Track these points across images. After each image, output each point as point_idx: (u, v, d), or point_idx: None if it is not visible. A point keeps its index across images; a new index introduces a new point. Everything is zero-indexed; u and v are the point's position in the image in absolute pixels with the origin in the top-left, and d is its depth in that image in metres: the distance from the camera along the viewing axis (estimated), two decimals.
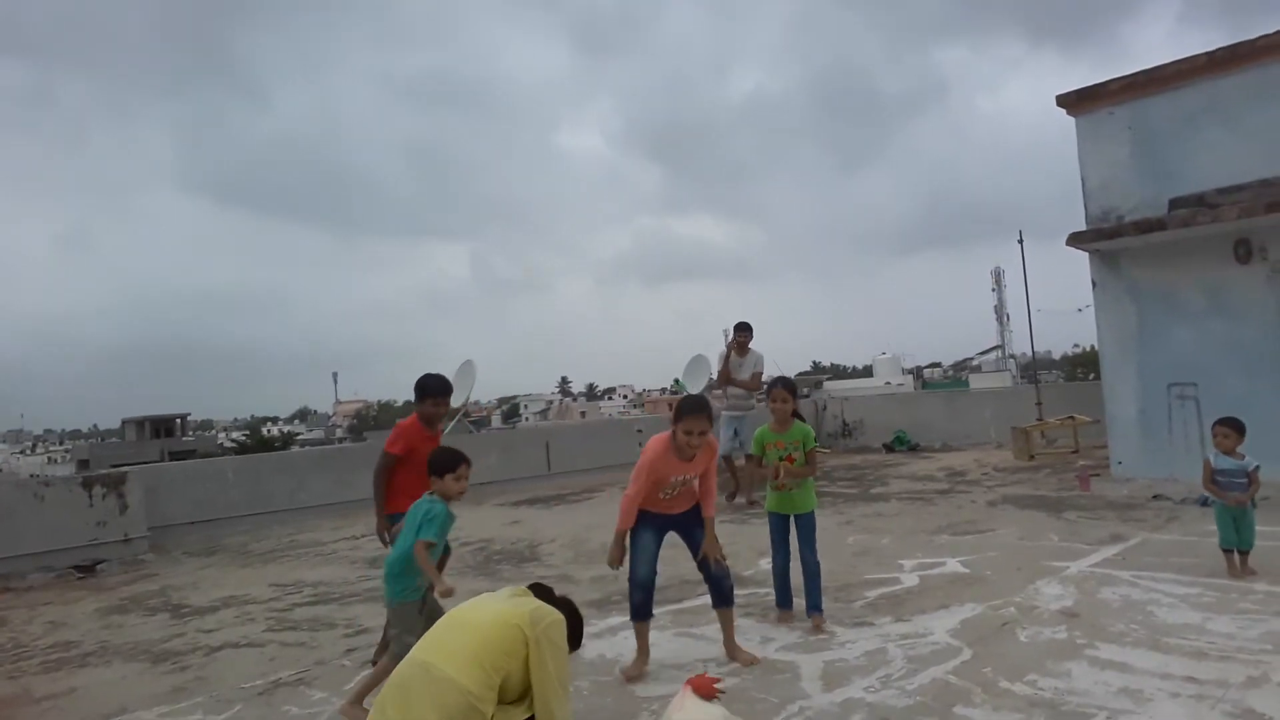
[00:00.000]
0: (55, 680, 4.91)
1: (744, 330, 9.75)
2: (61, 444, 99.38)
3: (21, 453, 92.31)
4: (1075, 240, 9.55)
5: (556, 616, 3.05)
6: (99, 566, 8.39)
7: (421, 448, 4.73)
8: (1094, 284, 9.85)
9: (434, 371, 5.10)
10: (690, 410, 4.28)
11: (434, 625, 3.07)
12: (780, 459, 4.97)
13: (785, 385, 5.12)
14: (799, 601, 5.03)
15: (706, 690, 3.14)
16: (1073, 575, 5.56)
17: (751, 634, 4.79)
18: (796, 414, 5.10)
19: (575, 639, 3.23)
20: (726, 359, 9.80)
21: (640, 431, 14.29)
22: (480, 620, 2.94)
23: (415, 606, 3.92)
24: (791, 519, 5.05)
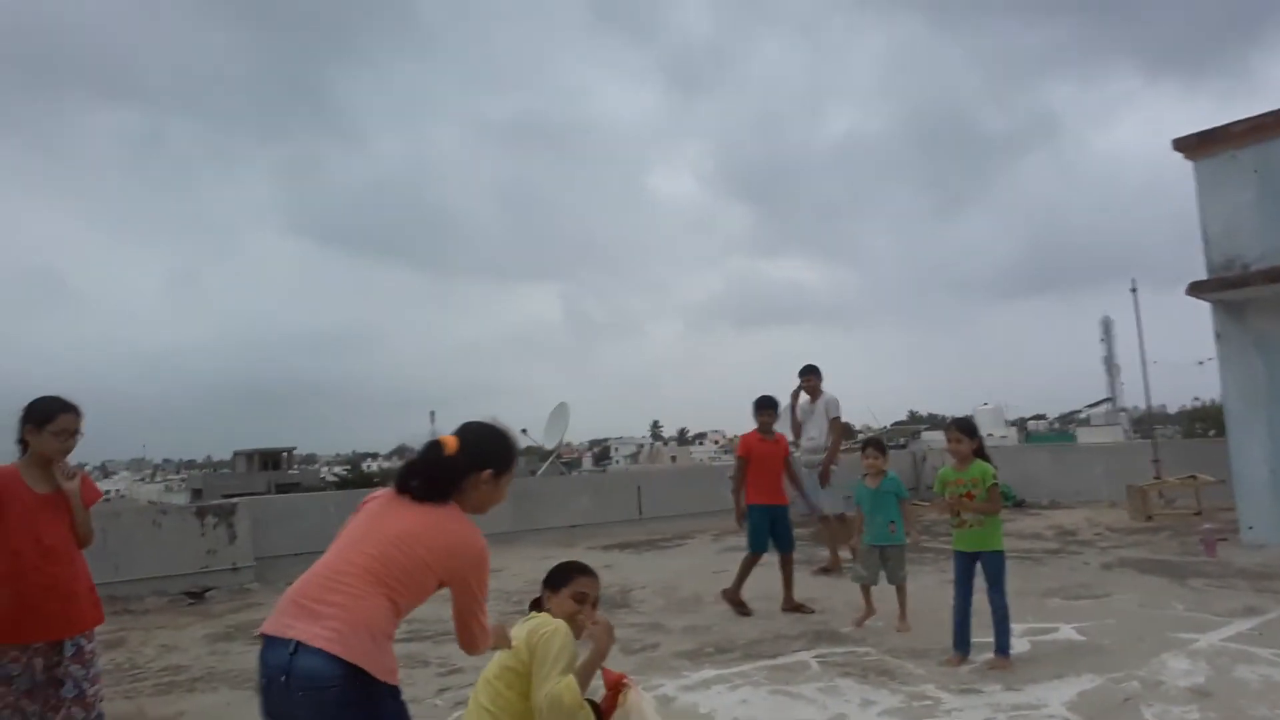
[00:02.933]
0: (166, 703, 5.09)
1: (811, 373, 8.81)
2: (178, 473, 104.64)
3: (142, 480, 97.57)
4: (1196, 290, 9.07)
5: (555, 626, 2.96)
6: (208, 593, 8.73)
7: (758, 449, 7.05)
8: (1217, 335, 9.30)
9: (764, 394, 7.20)
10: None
11: None
12: (960, 495, 5.11)
13: (960, 426, 5.33)
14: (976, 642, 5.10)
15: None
16: (1203, 649, 5.15)
17: (852, 695, 4.59)
18: (980, 452, 5.23)
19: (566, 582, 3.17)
20: (794, 406, 8.85)
21: (733, 478, 14.10)
22: (489, 673, 3.02)
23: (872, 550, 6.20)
24: (978, 561, 5.15)
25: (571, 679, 2.84)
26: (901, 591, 6.09)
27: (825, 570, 8.37)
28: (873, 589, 6.20)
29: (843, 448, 9.37)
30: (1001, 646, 5.03)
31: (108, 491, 72.76)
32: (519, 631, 3.04)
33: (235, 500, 10.13)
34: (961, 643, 5.15)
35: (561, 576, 3.21)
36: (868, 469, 6.28)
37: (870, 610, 6.14)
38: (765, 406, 7.16)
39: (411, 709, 4.75)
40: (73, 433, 3.64)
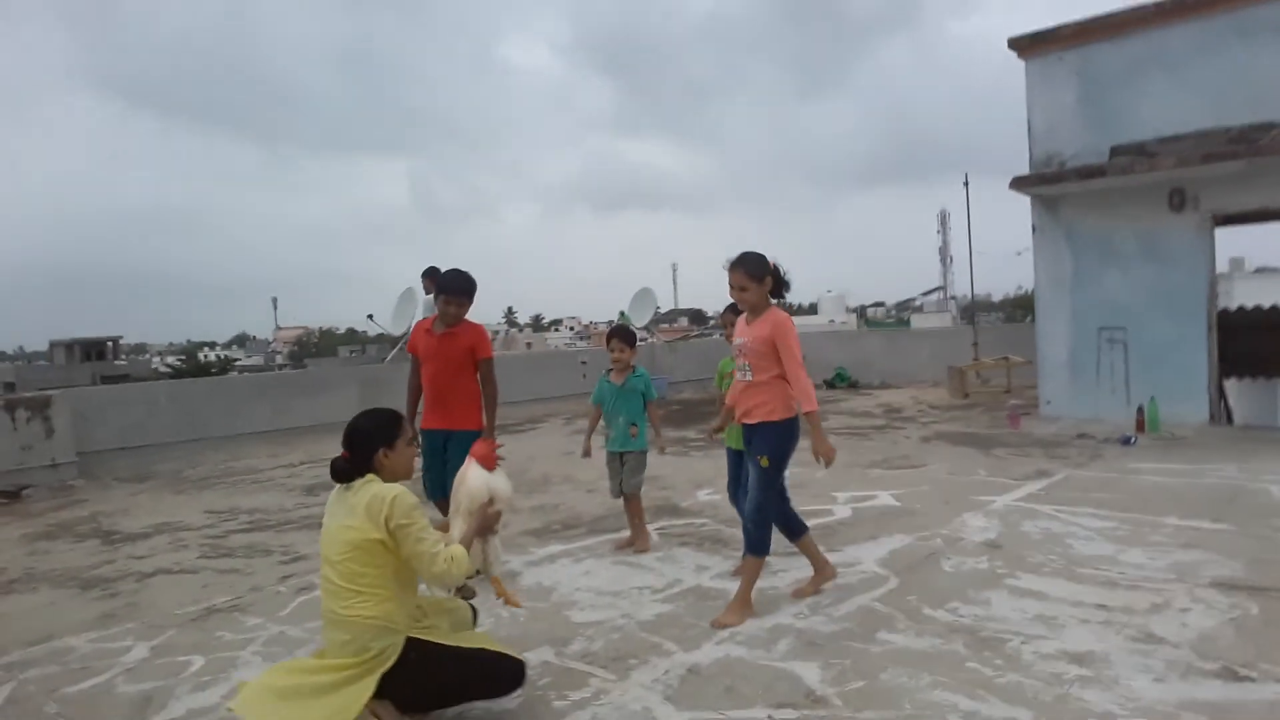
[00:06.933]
0: None
1: (425, 275, 9.08)
2: None
3: None
4: (1018, 184, 9.68)
5: (393, 495, 2.92)
6: (24, 492, 8.17)
7: (419, 344, 4.97)
8: (1034, 228, 10.03)
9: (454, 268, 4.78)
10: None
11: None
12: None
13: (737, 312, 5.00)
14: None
15: (488, 459, 3.43)
16: (998, 509, 5.77)
17: (687, 563, 4.89)
18: None
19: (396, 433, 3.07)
20: None
21: (585, 363, 14.29)
22: (333, 554, 2.93)
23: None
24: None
25: (461, 550, 3.03)
26: (634, 501, 5.25)
27: None
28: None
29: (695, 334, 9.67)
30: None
31: None
32: (354, 499, 2.94)
33: (50, 392, 9.40)
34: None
35: (392, 429, 3.05)
36: (613, 363, 5.29)
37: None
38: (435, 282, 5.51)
39: (253, 597, 4.72)
40: None
